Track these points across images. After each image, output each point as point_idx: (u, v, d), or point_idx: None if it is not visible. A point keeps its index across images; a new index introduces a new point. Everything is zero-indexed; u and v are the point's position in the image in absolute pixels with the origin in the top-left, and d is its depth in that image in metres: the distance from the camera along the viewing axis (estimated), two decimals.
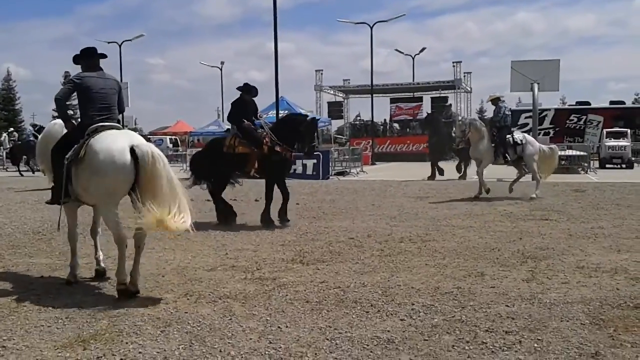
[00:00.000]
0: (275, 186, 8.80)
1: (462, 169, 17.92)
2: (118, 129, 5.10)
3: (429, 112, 22.45)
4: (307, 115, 9.64)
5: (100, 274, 5.43)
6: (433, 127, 19.95)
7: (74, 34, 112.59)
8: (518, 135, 12.67)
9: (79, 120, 5.24)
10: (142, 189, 4.60)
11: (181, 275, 5.45)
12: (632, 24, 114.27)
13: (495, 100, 12.85)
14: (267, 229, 8.20)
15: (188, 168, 11.08)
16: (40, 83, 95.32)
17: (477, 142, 12.54)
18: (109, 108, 5.17)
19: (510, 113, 13.40)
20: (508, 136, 12.36)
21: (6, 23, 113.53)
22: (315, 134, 9.13)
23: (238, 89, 9.33)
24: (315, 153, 20.54)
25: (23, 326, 4.00)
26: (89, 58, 5.33)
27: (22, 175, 22.52)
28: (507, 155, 12.31)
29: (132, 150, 4.62)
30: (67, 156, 4.85)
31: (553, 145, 13.41)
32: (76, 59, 5.39)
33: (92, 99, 5.09)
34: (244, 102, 9.12)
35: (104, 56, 5.40)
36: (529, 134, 14.34)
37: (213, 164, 8.91)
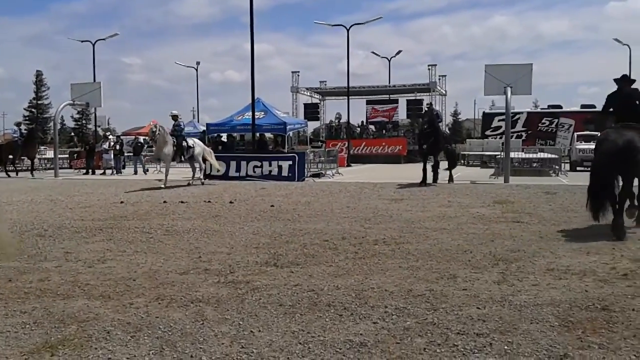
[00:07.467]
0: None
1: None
2: None
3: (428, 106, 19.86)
4: None
5: None
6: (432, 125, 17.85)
7: (49, 32, 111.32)
8: (190, 140, 17.27)
9: None
10: None
11: (152, 279, 5.38)
12: (604, 29, 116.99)
13: (175, 117, 17.13)
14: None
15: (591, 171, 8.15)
16: (13, 81, 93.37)
17: (163, 146, 16.39)
18: None
19: (184, 127, 18.01)
20: (184, 142, 16.80)
21: None
22: None
23: (615, 80, 8.69)
24: (290, 155, 20.47)
25: None
26: None
27: (9, 176, 22.13)
28: (183, 155, 16.90)
29: None
30: None
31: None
32: None
33: None
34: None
35: None
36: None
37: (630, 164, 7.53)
